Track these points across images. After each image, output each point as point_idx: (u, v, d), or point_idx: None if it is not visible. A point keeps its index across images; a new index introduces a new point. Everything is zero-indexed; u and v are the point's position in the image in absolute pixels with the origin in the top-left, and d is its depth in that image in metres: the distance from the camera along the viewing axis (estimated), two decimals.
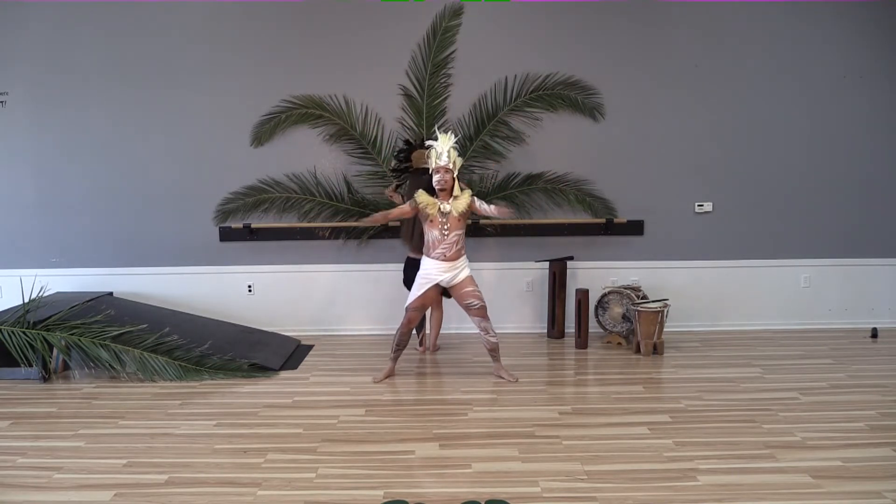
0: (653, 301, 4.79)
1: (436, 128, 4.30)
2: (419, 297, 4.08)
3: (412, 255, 4.60)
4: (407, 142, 4.76)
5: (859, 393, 3.84)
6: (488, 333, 4.12)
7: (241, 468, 3.02)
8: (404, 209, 4.06)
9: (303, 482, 2.86)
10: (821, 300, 5.33)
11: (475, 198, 4.07)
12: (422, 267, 4.11)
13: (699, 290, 5.29)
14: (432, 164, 4.02)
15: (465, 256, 4.13)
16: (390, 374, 4.26)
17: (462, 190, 4.06)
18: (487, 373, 4.34)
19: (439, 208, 3.99)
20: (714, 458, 3.02)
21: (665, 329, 4.75)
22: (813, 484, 2.77)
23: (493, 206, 4.05)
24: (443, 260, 4.03)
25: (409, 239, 4.64)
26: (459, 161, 4.06)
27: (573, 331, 5.03)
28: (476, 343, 4.95)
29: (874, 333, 5.08)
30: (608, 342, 5.02)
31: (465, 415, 3.62)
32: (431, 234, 4.02)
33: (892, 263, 5.31)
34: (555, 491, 2.75)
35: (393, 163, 4.94)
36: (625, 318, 4.93)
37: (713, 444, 3.17)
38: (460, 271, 4.08)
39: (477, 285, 4.13)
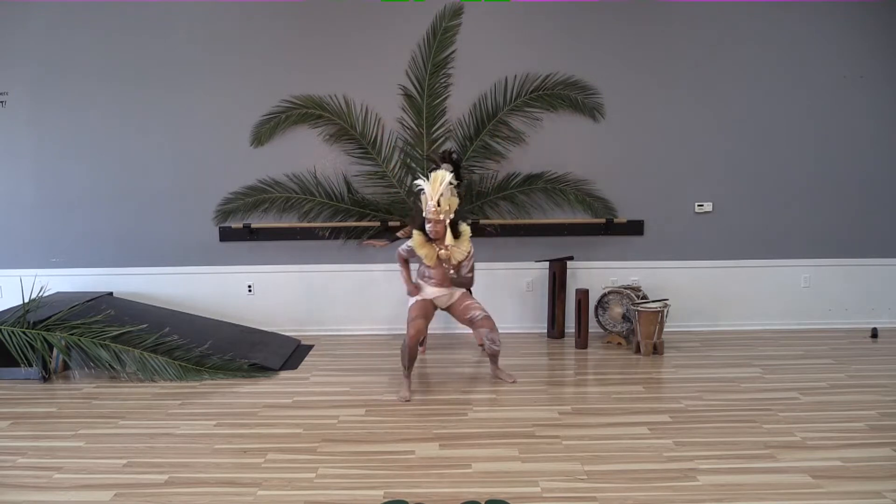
0: (653, 301, 4.79)
1: (431, 155, 4.04)
2: (420, 302, 4.01)
3: None
4: (431, 159, 4.73)
5: (859, 393, 3.84)
6: (494, 343, 4.03)
7: (241, 468, 3.02)
8: (403, 258, 4.04)
9: (303, 482, 2.86)
10: (821, 300, 5.33)
11: (471, 251, 3.96)
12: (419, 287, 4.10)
13: (699, 290, 5.29)
14: (424, 209, 3.83)
15: None
16: (409, 388, 4.00)
17: (461, 232, 3.90)
18: (487, 373, 4.34)
19: (437, 255, 3.90)
20: (714, 458, 3.02)
21: (665, 329, 4.74)
22: (813, 484, 2.77)
23: (470, 275, 4.02)
24: (438, 287, 4.03)
25: None
26: (455, 202, 3.85)
27: (573, 331, 5.03)
28: (475, 342, 4.95)
29: (874, 333, 5.08)
30: (608, 342, 5.02)
31: (465, 415, 3.62)
32: (427, 268, 4.00)
33: (892, 263, 5.31)
34: (555, 491, 2.75)
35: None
36: (625, 318, 4.93)
37: (713, 444, 3.17)
38: (456, 291, 4.07)
39: (474, 298, 4.11)
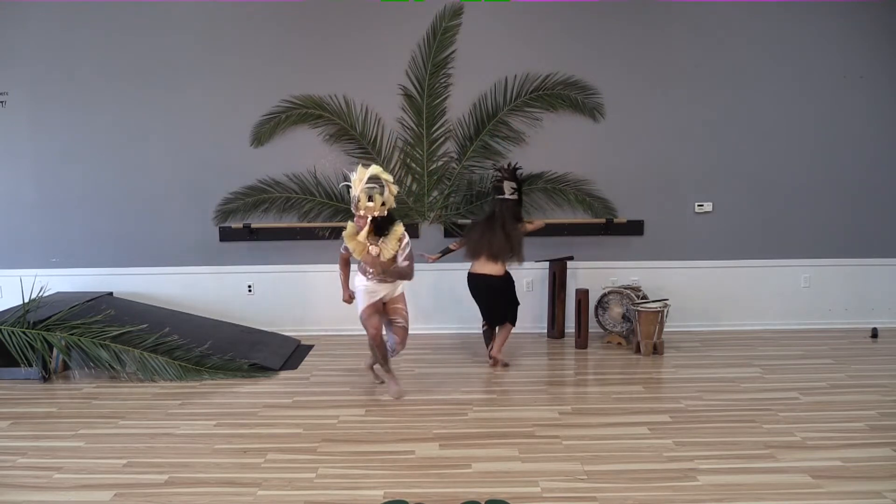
0: (653, 301, 4.79)
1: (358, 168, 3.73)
2: (369, 304, 3.85)
3: (473, 271, 4.47)
4: (499, 170, 4.68)
5: (859, 393, 3.84)
6: (394, 352, 3.97)
7: (241, 468, 3.02)
8: (345, 256, 3.91)
9: (303, 482, 2.86)
10: (821, 300, 5.33)
11: (407, 239, 3.81)
12: (360, 284, 3.88)
13: (699, 290, 5.29)
14: (352, 204, 3.71)
15: None
16: (397, 381, 4.02)
17: (392, 230, 3.75)
18: (488, 373, 4.35)
19: (368, 250, 3.73)
20: (714, 458, 3.02)
21: (665, 329, 4.74)
22: (813, 484, 2.77)
23: (406, 263, 3.83)
24: (381, 282, 3.86)
25: (471, 254, 4.51)
26: (380, 199, 3.66)
27: (573, 331, 5.02)
28: (476, 343, 4.95)
29: (874, 333, 5.08)
30: (608, 342, 5.02)
31: (465, 415, 3.62)
32: (366, 264, 3.83)
33: (892, 263, 5.31)
34: (555, 491, 2.75)
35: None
36: (625, 318, 4.93)
37: (713, 444, 3.17)
38: (397, 289, 3.94)
39: (406, 304, 3.97)
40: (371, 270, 3.83)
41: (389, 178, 3.70)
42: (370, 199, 3.65)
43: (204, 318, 5.12)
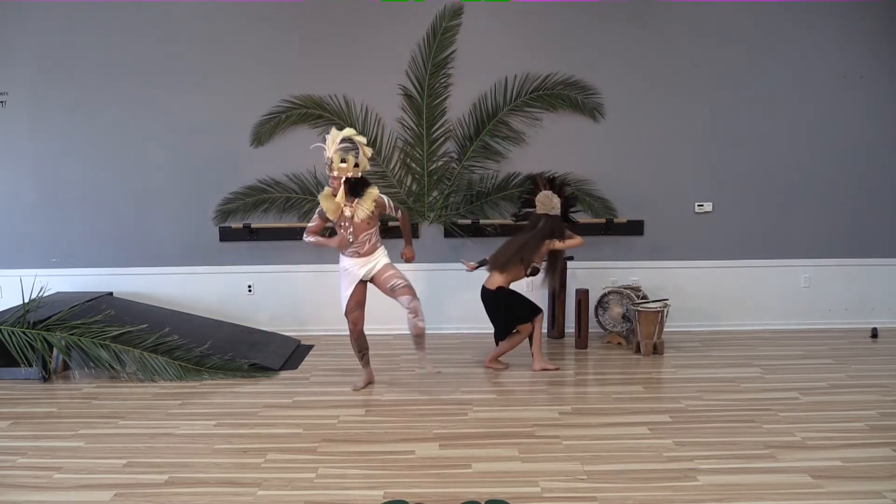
0: (653, 301, 4.79)
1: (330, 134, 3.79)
2: (351, 296, 3.94)
3: (486, 286, 4.34)
4: (533, 180, 4.60)
5: (859, 393, 3.84)
6: (416, 316, 3.85)
7: (241, 468, 3.02)
8: (318, 224, 3.93)
9: (303, 482, 2.86)
10: (821, 300, 5.33)
11: (384, 198, 3.86)
12: (341, 265, 3.97)
13: (699, 290, 5.29)
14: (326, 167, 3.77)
15: (380, 249, 3.97)
16: (370, 379, 4.14)
17: (367, 192, 3.80)
18: (488, 373, 4.34)
19: (342, 212, 3.79)
20: (714, 458, 3.02)
21: (665, 329, 4.74)
22: (813, 484, 2.77)
23: (400, 212, 3.93)
24: (357, 256, 3.90)
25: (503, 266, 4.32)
26: (353, 160, 3.67)
27: (573, 331, 5.02)
28: (476, 343, 4.95)
29: (874, 333, 5.08)
30: (608, 342, 5.02)
31: (465, 415, 3.62)
32: (342, 234, 3.89)
33: (892, 263, 5.31)
34: (555, 491, 2.75)
35: (519, 209, 4.76)
36: (625, 318, 4.93)
37: (713, 444, 3.17)
38: (377, 262, 3.93)
39: (396, 269, 3.96)
40: (348, 245, 3.88)
41: (363, 139, 3.76)
42: (343, 160, 3.67)
43: (204, 318, 5.12)
